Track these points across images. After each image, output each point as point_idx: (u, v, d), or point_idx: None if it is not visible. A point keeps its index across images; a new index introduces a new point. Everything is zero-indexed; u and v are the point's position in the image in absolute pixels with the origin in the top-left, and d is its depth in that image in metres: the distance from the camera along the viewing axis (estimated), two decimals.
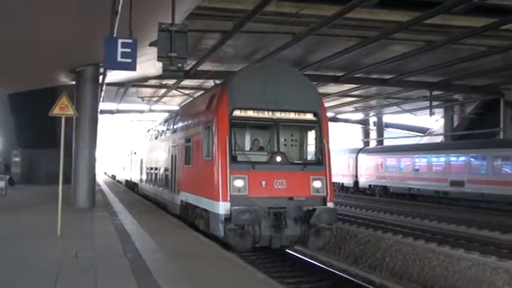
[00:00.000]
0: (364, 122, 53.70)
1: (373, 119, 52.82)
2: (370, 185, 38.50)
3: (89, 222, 14.70)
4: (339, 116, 50.64)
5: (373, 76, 29.22)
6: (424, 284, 12.51)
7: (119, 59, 10.34)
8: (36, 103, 24.45)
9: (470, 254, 13.35)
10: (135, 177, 30.14)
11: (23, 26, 13.05)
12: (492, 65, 24.82)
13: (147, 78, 25.77)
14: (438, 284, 12.21)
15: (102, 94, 27.77)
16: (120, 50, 10.30)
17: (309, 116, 13.15)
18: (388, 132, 53.50)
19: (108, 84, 26.49)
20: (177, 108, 29.35)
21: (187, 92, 33.54)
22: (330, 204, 12.46)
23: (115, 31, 11.14)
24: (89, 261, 8.98)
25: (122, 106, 44.40)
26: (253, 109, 12.62)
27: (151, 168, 22.82)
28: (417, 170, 32.74)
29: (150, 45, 10.80)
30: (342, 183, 42.30)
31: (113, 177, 54.30)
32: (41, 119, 17.05)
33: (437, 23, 18.35)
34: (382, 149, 40.85)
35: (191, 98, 27.80)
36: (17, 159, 31.81)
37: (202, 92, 23.48)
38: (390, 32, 19.19)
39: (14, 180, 29.35)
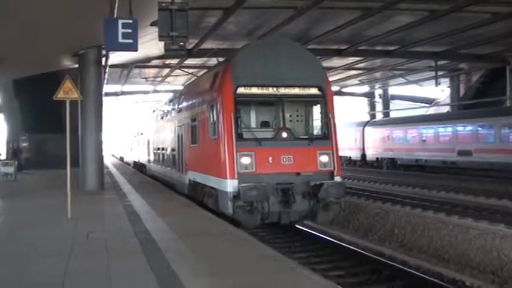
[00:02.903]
0: (370, 95, 53.37)
1: (378, 92, 52.46)
2: (377, 158, 38.47)
3: (98, 204, 14.83)
4: (344, 90, 50.34)
5: (378, 48, 28.93)
6: (433, 254, 12.56)
7: (120, 40, 10.32)
8: (40, 88, 24.40)
9: (479, 223, 13.35)
10: (143, 158, 30.29)
11: (24, 9, 12.98)
12: (497, 32, 24.48)
13: (150, 59, 25.64)
14: (448, 253, 12.25)
15: (106, 76, 27.76)
16: (120, 31, 10.27)
17: (314, 91, 13.09)
18: (394, 104, 53.19)
19: (112, 66, 26.43)
20: (182, 87, 29.32)
21: (190, 71, 33.37)
22: (337, 178, 12.48)
23: (115, 12, 11.07)
24: (100, 241, 9.10)
25: (126, 88, 44.34)
26: (258, 86, 12.58)
27: (159, 149, 22.90)
28: (424, 141, 32.65)
29: (151, 25, 10.79)
30: (349, 157, 42.29)
31: (121, 159, 54.59)
32: (46, 103, 17.07)
33: None
34: (388, 121, 40.70)
35: (195, 77, 27.70)
36: (24, 144, 31.99)
37: (205, 70, 23.37)
38: (393, 2, 18.95)
39: (23, 165, 29.55)
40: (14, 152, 30.23)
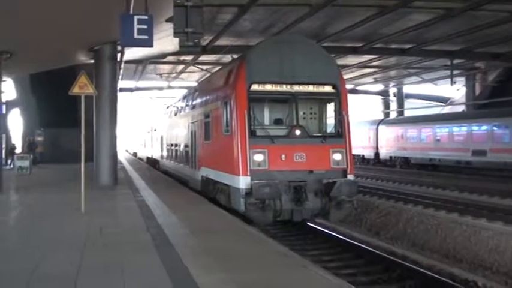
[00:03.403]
0: (384, 93, 53.09)
1: (393, 90, 52.18)
2: (390, 157, 38.28)
3: (112, 199, 14.94)
4: (358, 88, 50.13)
5: (393, 46, 28.76)
6: (446, 254, 12.49)
7: (136, 36, 10.35)
8: (56, 83, 24.68)
9: (493, 224, 13.25)
10: (156, 154, 30.43)
11: (40, 4, 13.09)
12: None
13: (164, 55, 25.75)
14: (460, 254, 12.19)
15: (121, 72, 27.92)
16: (136, 26, 10.29)
17: (328, 89, 13.05)
18: (408, 103, 52.86)
19: (127, 61, 26.59)
20: (196, 84, 29.39)
21: (205, 67, 33.47)
22: (350, 177, 12.44)
23: (131, 8, 11.11)
24: (113, 236, 9.17)
25: (141, 83, 44.55)
26: (272, 83, 12.57)
27: (172, 145, 22.99)
28: (438, 140, 32.42)
29: (167, 21, 10.83)
30: (363, 155, 42.11)
31: (135, 154, 54.89)
32: (62, 98, 17.22)
33: None
34: (402, 120, 40.46)
35: (209, 74, 27.75)
36: (40, 138, 32.32)
37: (220, 67, 23.41)
38: (409, 0, 18.82)
39: (38, 159, 29.87)
40: (29, 146, 30.56)
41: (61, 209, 12.90)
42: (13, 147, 30.35)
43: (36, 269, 6.93)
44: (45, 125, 32.50)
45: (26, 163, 23.99)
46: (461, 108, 43.06)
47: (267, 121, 13.66)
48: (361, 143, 40.45)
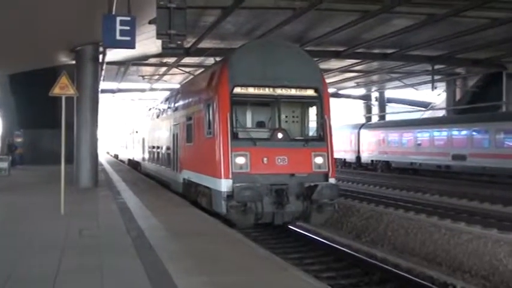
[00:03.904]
0: (366, 98, 53.46)
1: (375, 94, 52.58)
2: (372, 161, 38.55)
3: (92, 201, 14.79)
4: (340, 92, 50.41)
5: (375, 51, 28.99)
6: (425, 257, 12.59)
7: (118, 37, 10.31)
8: (36, 83, 24.39)
9: (472, 227, 13.42)
10: (138, 156, 30.24)
11: (22, 4, 12.95)
12: (494, 37, 24.57)
13: (147, 57, 25.63)
14: (440, 257, 12.30)
15: (103, 73, 27.70)
16: (118, 27, 10.26)
17: (310, 92, 13.11)
18: (390, 107, 53.31)
19: (109, 63, 26.40)
20: (178, 86, 29.29)
21: (187, 69, 33.37)
22: (331, 180, 12.48)
23: (114, 9, 11.05)
24: (92, 239, 9.08)
25: (123, 85, 44.25)
26: (254, 86, 12.57)
27: (154, 147, 22.88)
28: (419, 144, 32.73)
29: (150, 22, 10.74)
30: (344, 159, 42.35)
31: (116, 156, 54.49)
32: (42, 99, 17.01)
33: None
34: (384, 124, 40.78)
35: (192, 76, 27.68)
36: (19, 139, 31.88)
37: (202, 69, 23.37)
38: (392, 6, 18.99)
39: (17, 161, 29.47)
40: (9, 147, 30.14)
41: (40, 211, 12.73)
42: None
43: (13, 272, 6.83)
44: (25, 126, 32.06)
45: (4, 164, 23.67)
46: (441, 113, 43.55)
47: (249, 124, 13.66)
48: (342, 146, 40.69)
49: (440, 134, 30.93)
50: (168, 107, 19.53)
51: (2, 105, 34.59)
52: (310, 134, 13.57)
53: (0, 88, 33.90)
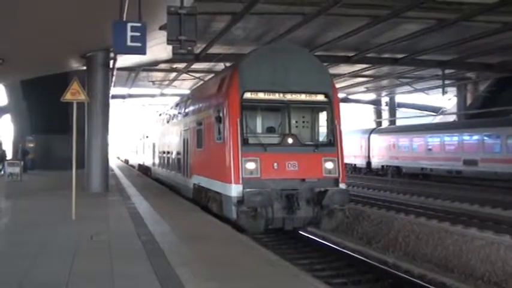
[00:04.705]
0: (376, 103, 53.34)
1: (385, 99, 52.44)
2: (382, 166, 38.39)
3: (103, 206, 14.86)
4: (350, 97, 50.33)
5: (385, 56, 28.92)
6: (437, 263, 12.50)
7: (129, 43, 10.35)
8: (48, 89, 24.57)
9: (484, 233, 13.31)
10: (148, 161, 30.33)
11: (33, 11, 13.07)
12: (506, 41, 24.41)
13: (157, 62, 25.75)
14: (451, 263, 12.20)
15: (113, 79, 27.89)
16: (129, 34, 10.30)
17: (320, 97, 13.10)
18: (400, 112, 53.15)
19: (119, 69, 26.56)
20: (188, 91, 29.38)
21: (197, 75, 33.49)
22: (342, 185, 12.45)
23: (124, 15, 11.12)
24: (103, 243, 9.11)
25: (133, 91, 44.49)
26: (264, 91, 12.59)
27: (164, 152, 22.93)
28: (430, 149, 32.57)
29: (160, 28, 10.82)
30: (355, 164, 42.22)
31: (126, 161, 54.71)
32: (54, 104, 17.17)
33: (449, 0, 18.04)
34: (394, 129, 40.64)
35: (202, 81, 27.76)
36: (31, 145, 32.11)
37: (212, 75, 23.42)
38: (401, 11, 18.95)
39: (29, 166, 29.67)
40: (22, 152, 30.33)
41: (52, 216, 12.80)
42: (3, 154, 30.11)
43: (25, 276, 6.87)
44: (37, 132, 32.30)
45: (16, 169, 23.83)
46: (452, 118, 43.33)
47: (259, 129, 13.65)
48: (353, 151, 40.59)
49: (452, 139, 30.77)
50: (179, 113, 19.58)
51: (14, 110, 34.89)
52: (321, 139, 13.53)
53: (12, 94, 34.21)
